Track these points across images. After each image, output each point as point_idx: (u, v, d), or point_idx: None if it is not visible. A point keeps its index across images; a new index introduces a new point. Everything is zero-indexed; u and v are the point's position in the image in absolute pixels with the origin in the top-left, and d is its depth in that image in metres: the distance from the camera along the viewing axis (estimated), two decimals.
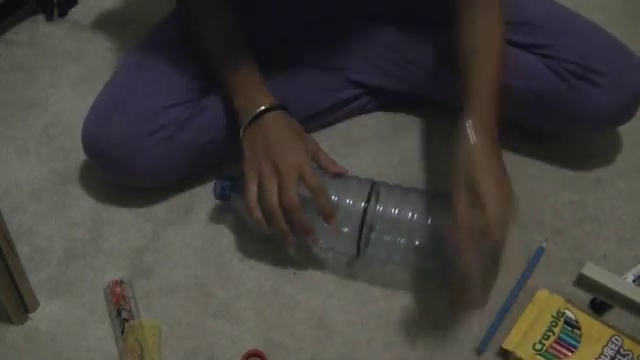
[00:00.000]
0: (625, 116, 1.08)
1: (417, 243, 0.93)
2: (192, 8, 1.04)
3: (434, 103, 1.16)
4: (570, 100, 1.04)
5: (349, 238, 0.93)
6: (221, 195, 1.01)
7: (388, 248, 0.95)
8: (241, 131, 0.96)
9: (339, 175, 0.96)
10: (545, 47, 1.05)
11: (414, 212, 0.93)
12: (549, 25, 1.07)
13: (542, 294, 0.95)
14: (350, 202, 0.93)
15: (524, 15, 1.07)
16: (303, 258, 1.00)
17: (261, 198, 0.92)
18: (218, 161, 1.08)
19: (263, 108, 0.95)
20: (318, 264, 1.00)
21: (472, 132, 0.88)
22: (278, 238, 0.94)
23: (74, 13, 1.41)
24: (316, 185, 0.91)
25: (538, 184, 1.11)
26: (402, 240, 0.93)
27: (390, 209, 0.93)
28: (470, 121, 0.89)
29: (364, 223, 0.92)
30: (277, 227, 0.92)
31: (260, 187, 0.92)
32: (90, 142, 1.01)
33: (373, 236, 0.94)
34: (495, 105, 0.92)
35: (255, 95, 0.97)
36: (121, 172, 1.03)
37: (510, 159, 1.14)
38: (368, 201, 0.93)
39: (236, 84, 0.99)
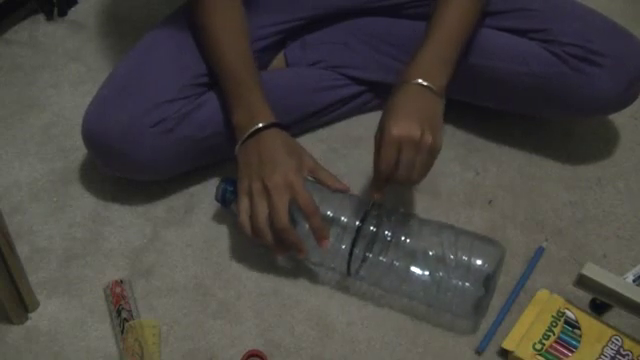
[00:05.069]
0: (628, 97, 1.07)
1: (412, 270, 0.91)
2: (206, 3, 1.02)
3: None
4: (573, 82, 1.04)
5: (340, 256, 0.92)
6: (222, 199, 1.01)
7: (380, 273, 0.93)
8: (237, 147, 0.96)
9: (340, 191, 0.96)
10: (544, 31, 1.05)
11: (411, 239, 0.92)
12: (547, 10, 1.07)
13: (542, 294, 0.95)
14: (345, 220, 0.93)
15: (522, 2, 1.08)
16: (295, 266, 1.00)
17: (251, 215, 0.92)
18: (218, 157, 1.09)
19: (260, 125, 0.94)
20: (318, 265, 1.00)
21: (407, 74, 0.93)
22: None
23: (74, 13, 1.41)
24: (308, 207, 0.90)
25: (538, 184, 1.11)
26: (397, 266, 0.91)
27: (387, 233, 0.92)
28: (410, 65, 0.94)
29: (356, 243, 0.91)
30: (265, 244, 0.92)
31: (251, 205, 0.92)
32: (90, 134, 1.01)
33: (367, 259, 0.92)
34: (445, 55, 0.95)
35: (254, 111, 0.96)
36: (121, 164, 1.02)
37: (510, 159, 1.15)
38: (363, 221, 0.92)
39: (238, 96, 0.97)
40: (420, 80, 0.92)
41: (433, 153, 0.90)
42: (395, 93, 0.93)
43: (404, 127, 0.88)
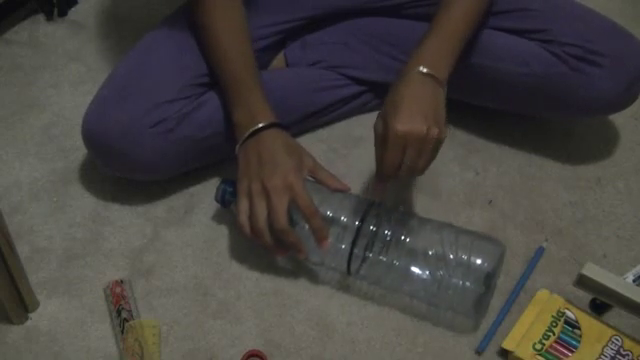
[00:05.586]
0: (628, 98, 1.07)
1: (412, 269, 0.91)
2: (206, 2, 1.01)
3: None
4: (573, 82, 1.04)
5: (341, 255, 0.92)
6: (222, 200, 1.01)
7: (381, 272, 0.93)
8: (237, 147, 0.96)
9: (340, 191, 0.95)
10: (544, 31, 1.05)
11: (411, 238, 0.91)
12: (547, 10, 1.07)
13: (542, 294, 0.95)
14: (345, 220, 0.92)
15: (522, 2, 1.08)
16: (295, 266, 1.00)
17: (250, 217, 0.92)
18: (218, 157, 1.09)
19: (261, 125, 0.94)
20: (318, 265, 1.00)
21: (410, 64, 0.92)
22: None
23: (74, 13, 1.41)
24: (308, 208, 0.90)
25: (538, 184, 1.11)
26: (397, 265, 0.91)
27: (386, 232, 0.92)
28: (413, 55, 0.93)
29: (356, 242, 0.91)
30: (264, 246, 0.92)
31: (250, 206, 0.92)
32: (90, 134, 1.01)
33: (368, 258, 0.92)
34: (449, 46, 0.95)
35: (254, 111, 0.96)
36: (121, 164, 1.02)
37: (510, 159, 1.15)
38: (363, 220, 0.91)
39: (238, 96, 0.97)
40: (422, 68, 0.91)
41: (438, 145, 0.90)
42: (397, 84, 0.92)
43: (409, 124, 0.88)
